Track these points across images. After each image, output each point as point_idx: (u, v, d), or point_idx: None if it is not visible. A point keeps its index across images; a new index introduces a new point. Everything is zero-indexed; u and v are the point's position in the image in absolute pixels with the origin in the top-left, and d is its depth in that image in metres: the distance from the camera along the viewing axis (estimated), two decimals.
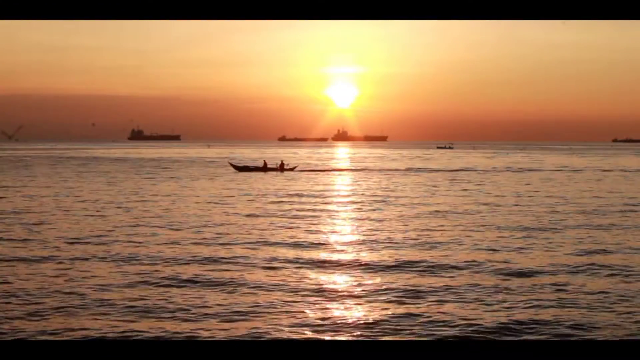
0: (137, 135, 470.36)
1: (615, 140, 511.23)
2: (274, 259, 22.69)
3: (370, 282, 19.52)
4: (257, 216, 35.27)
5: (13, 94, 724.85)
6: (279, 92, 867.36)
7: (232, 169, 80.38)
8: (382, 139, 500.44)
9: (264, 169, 77.59)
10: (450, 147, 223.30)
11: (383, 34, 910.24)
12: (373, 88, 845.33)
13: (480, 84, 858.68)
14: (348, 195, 49.25)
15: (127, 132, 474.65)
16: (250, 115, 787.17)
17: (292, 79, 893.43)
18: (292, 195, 47.79)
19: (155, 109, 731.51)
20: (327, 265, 22.02)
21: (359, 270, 21.07)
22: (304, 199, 45.24)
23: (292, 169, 79.66)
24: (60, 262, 22.17)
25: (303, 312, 16.24)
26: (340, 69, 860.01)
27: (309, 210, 38.62)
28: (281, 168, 77.84)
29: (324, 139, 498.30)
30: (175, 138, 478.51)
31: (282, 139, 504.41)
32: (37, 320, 15.46)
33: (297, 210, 38.35)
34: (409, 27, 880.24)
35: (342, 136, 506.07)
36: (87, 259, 22.68)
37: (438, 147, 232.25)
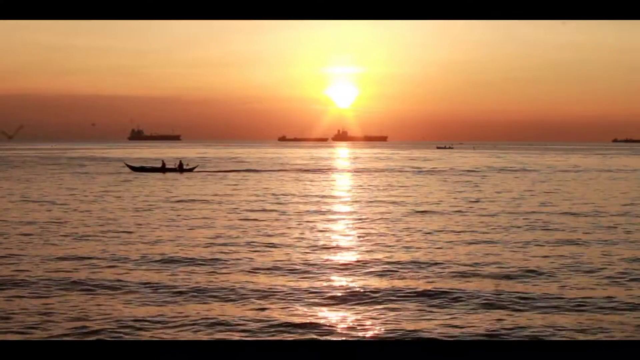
0: (137, 136, 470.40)
1: (615, 140, 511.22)
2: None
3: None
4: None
5: (13, 94, 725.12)
6: (279, 92, 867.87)
7: (128, 169, 77.03)
8: (382, 139, 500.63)
9: (162, 169, 74.58)
10: (450, 147, 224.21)
11: (383, 34, 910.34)
12: (373, 88, 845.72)
13: (481, 84, 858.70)
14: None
15: (127, 132, 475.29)
16: (250, 115, 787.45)
17: (292, 79, 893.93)
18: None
19: (155, 109, 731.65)
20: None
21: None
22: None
23: (191, 170, 76.08)
24: None
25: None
26: (340, 69, 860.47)
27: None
28: (180, 168, 74.76)
29: (324, 139, 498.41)
30: (176, 138, 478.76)
31: (282, 139, 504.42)
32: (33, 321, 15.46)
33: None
34: (409, 27, 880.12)
35: (342, 136, 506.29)
36: None
37: (438, 148, 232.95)
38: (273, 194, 48.98)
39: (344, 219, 34.77)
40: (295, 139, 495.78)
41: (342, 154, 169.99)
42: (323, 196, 48.23)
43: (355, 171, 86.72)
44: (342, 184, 61.89)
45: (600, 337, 14.44)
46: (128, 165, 79.04)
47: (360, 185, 59.88)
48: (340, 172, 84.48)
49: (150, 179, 64.94)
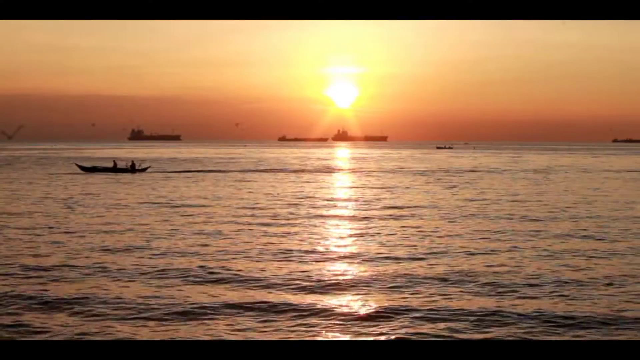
0: (137, 135, 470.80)
1: (615, 141, 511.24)
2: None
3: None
4: None
5: (13, 94, 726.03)
6: (279, 92, 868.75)
7: (78, 170, 75.07)
8: (382, 139, 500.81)
9: (114, 169, 72.92)
10: (450, 147, 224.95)
11: (383, 34, 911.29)
12: (373, 88, 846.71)
13: (481, 84, 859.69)
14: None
15: (127, 132, 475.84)
16: (250, 115, 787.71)
17: (292, 79, 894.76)
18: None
19: (155, 109, 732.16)
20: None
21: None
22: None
23: (144, 170, 74.69)
24: None
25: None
26: (340, 69, 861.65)
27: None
28: (132, 169, 73.10)
29: (324, 139, 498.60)
30: (176, 138, 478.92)
31: (282, 139, 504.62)
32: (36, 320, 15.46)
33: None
34: (409, 27, 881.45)
35: (342, 136, 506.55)
36: None
37: (438, 148, 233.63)
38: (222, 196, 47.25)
39: (290, 222, 33.18)
40: (296, 139, 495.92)
41: (323, 155, 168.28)
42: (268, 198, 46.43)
43: (317, 171, 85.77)
44: (300, 185, 59.99)
45: (600, 337, 14.45)
46: (78, 166, 76.67)
47: (307, 186, 58.43)
48: (305, 173, 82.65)
49: (98, 180, 62.99)
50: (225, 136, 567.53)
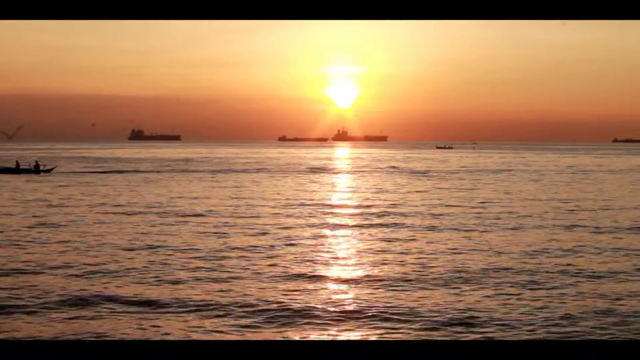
0: (137, 135, 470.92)
1: (615, 141, 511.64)
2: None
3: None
4: None
5: (13, 94, 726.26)
6: (279, 92, 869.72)
7: None
8: (382, 139, 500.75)
9: (17, 170, 70.95)
10: (449, 147, 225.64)
11: (383, 34, 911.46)
12: (373, 88, 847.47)
13: (481, 84, 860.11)
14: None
15: (127, 132, 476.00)
16: (250, 115, 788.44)
17: (292, 79, 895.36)
18: None
19: (155, 109, 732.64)
20: None
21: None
22: None
23: (49, 171, 72.86)
24: None
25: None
26: (340, 69, 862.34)
27: None
28: (36, 169, 71.74)
29: (324, 139, 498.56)
30: (176, 138, 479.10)
31: (282, 139, 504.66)
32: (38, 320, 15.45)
33: None
34: (409, 27, 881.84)
35: (342, 136, 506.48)
36: None
37: (437, 147, 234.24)
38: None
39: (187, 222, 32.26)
40: (296, 139, 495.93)
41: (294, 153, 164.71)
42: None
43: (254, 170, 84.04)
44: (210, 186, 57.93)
45: (600, 337, 14.45)
46: None
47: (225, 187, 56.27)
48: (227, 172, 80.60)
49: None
50: (224, 136, 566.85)
